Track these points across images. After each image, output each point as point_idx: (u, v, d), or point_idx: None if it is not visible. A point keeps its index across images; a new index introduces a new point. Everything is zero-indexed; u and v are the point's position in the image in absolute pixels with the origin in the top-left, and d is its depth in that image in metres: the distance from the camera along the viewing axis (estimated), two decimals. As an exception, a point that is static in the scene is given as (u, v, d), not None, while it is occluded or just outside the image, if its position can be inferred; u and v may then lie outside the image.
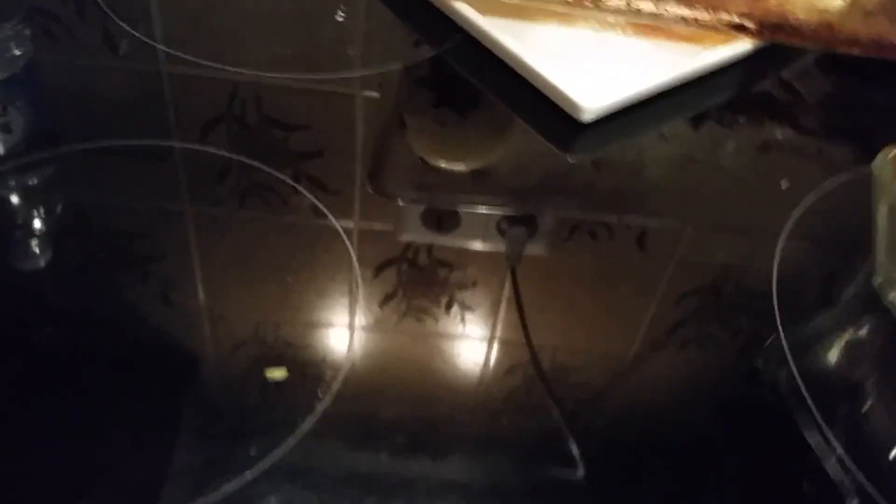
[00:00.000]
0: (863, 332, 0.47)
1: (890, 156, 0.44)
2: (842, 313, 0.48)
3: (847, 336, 0.46)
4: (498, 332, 0.44)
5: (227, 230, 0.48)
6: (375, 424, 0.40)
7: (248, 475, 0.37)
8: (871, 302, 0.46)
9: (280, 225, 0.49)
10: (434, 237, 0.49)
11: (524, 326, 0.44)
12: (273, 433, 0.38)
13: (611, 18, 0.62)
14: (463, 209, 0.50)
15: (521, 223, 0.50)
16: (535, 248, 0.49)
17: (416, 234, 0.49)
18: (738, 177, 0.56)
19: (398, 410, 0.40)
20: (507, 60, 0.59)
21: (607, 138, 0.57)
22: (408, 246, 0.48)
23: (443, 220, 0.50)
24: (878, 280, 0.45)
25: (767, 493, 0.38)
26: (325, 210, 0.49)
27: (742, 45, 0.61)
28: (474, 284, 0.46)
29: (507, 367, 0.42)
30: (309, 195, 0.50)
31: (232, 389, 0.41)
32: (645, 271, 0.48)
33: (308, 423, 0.39)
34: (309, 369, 0.42)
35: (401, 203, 0.51)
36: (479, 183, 0.53)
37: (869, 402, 0.43)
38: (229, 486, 0.36)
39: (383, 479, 0.38)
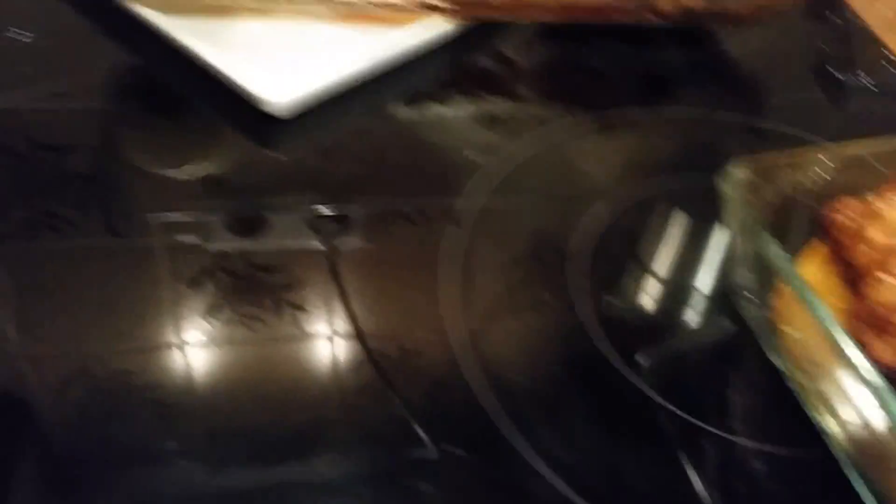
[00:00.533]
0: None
1: (740, 175, 0.43)
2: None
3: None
4: (337, 328, 0.44)
5: (26, 265, 0.45)
6: (232, 439, 0.39)
7: None
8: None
9: (82, 252, 0.46)
10: (245, 243, 0.48)
11: (354, 320, 0.44)
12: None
13: (311, 9, 0.60)
14: (266, 212, 0.50)
15: (332, 219, 0.50)
16: (352, 241, 0.49)
17: (225, 242, 0.48)
18: (458, 151, 0.57)
19: (250, 421, 0.40)
20: (196, 62, 0.57)
21: (319, 129, 0.56)
22: (219, 255, 0.47)
23: (249, 224, 0.49)
24: (736, 287, 0.47)
25: (605, 447, 0.42)
26: (122, 231, 0.47)
27: (448, 24, 0.62)
28: (300, 284, 0.46)
29: (356, 361, 0.43)
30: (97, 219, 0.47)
31: (71, 427, 0.38)
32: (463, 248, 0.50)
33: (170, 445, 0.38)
34: (146, 393, 0.40)
35: (156, 219, 0.49)
36: (211, 188, 0.51)
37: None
38: None
39: (250, 493, 0.37)
